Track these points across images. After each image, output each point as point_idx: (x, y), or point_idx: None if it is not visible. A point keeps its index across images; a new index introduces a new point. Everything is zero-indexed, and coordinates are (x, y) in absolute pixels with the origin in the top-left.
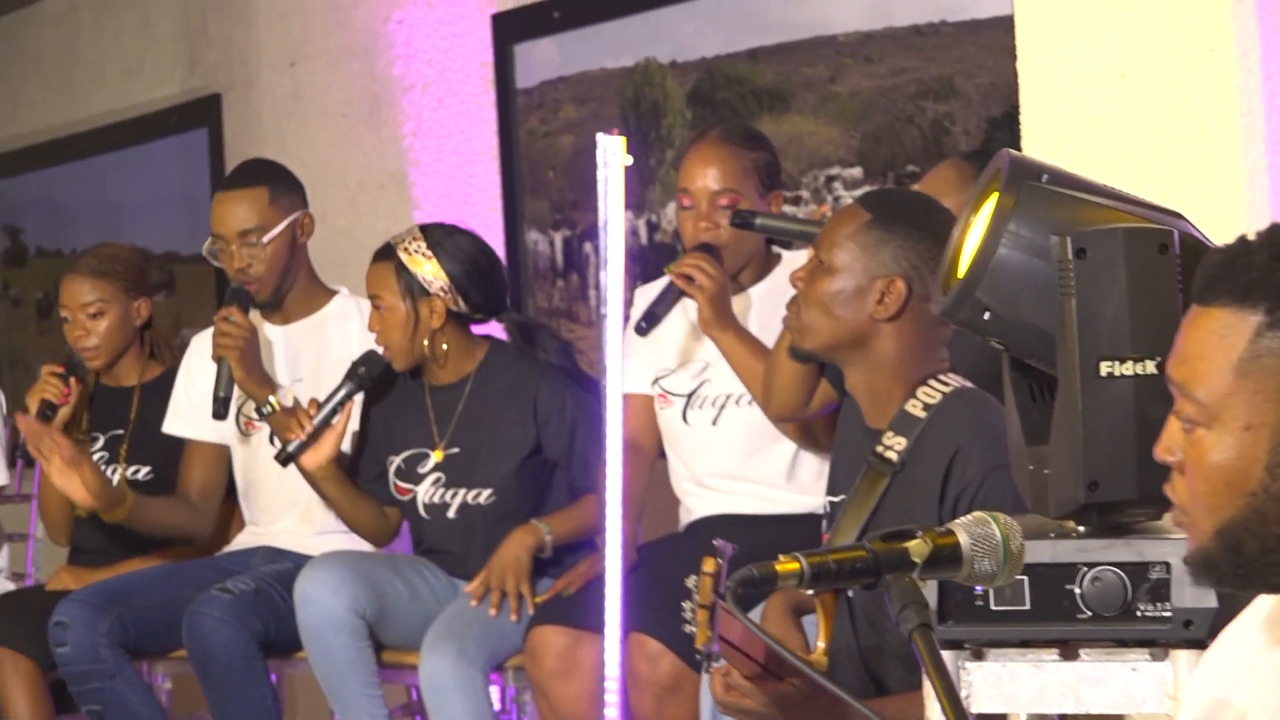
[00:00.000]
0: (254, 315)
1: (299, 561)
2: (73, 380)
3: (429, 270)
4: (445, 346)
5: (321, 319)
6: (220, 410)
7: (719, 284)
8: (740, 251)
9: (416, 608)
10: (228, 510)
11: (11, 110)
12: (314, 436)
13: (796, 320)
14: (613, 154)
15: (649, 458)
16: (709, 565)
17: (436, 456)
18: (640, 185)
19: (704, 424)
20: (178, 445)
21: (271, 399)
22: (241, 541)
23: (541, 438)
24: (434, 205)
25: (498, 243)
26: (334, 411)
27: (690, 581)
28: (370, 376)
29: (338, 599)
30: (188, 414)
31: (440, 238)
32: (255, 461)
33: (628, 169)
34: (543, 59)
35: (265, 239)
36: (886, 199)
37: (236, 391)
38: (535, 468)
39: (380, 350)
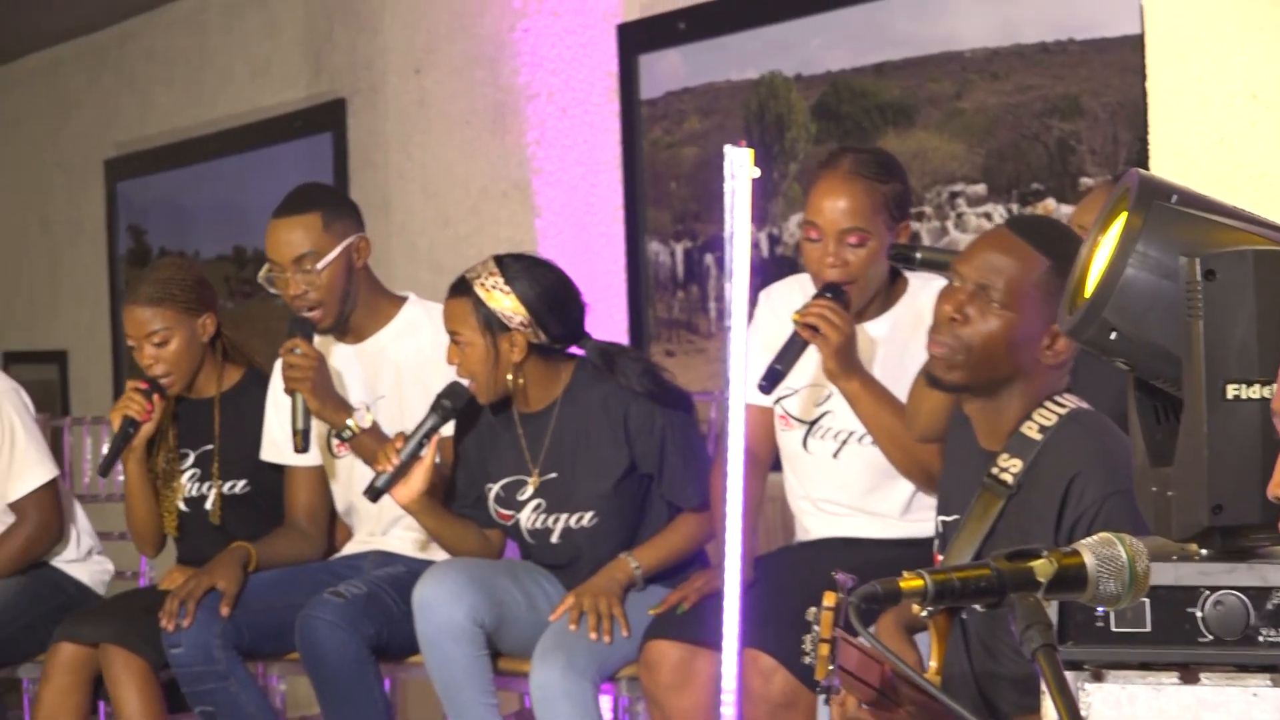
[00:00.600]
0: (325, 339)
1: (411, 565)
2: (156, 396)
3: (508, 305)
4: (523, 381)
5: (392, 331)
6: (301, 444)
7: (845, 334)
8: (869, 288)
9: (534, 617)
10: (335, 518)
11: (139, 112)
12: (402, 470)
13: (955, 355)
14: (740, 166)
15: (764, 468)
16: (829, 599)
17: (533, 483)
18: (763, 198)
19: (825, 454)
20: None
21: (350, 422)
22: (353, 546)
23: (634, 454)
24: (556, 214)
25: (619, 253)
26: (420, 445)
27: (810, 614)
28: (455, 409)
29: (457, 607)
30: (281, 442)
31: (518, 271)
32: (351, 483)
33: (752, 182)
34: (668, 70)
35: (320, 265)
36: (1063, 246)
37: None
38: (633, 485)
39: (465, 382)
